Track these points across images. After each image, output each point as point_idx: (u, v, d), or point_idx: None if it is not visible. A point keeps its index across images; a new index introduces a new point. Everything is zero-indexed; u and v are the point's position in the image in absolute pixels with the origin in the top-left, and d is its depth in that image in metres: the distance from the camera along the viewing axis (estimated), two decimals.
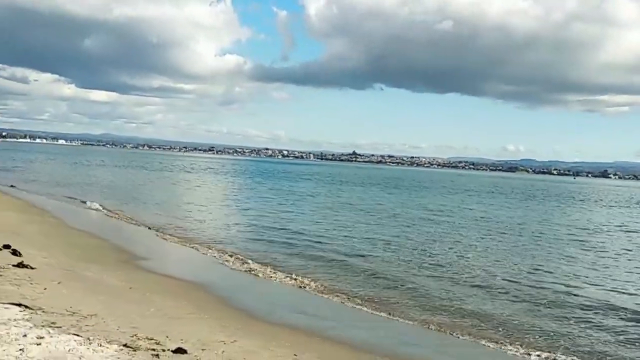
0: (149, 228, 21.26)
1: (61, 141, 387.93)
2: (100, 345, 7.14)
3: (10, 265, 11.36)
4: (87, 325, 8.00)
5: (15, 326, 7.39)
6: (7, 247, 13.27)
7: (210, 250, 17.38)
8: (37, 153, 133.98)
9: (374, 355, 8.79)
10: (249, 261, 15.87)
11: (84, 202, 28.70)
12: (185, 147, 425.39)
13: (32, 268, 11.47)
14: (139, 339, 7.70)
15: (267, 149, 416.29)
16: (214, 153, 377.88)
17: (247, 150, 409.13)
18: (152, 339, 7.71)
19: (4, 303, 8.50)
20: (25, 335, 7.05)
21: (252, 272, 14.77)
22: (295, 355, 7.94)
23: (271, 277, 14.28)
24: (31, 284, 10.13)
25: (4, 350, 6.44)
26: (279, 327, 9.86)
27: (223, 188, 52.97)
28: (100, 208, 26.83)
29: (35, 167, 66.54)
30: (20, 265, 11.53)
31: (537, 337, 10.55)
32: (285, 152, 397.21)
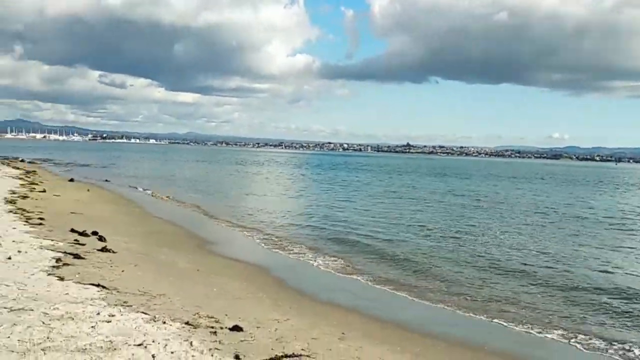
0: (216, 219, 21.26)
1: (152, 141, 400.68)
2: (164, 322, 6.98)
3: (95, 250, 11.49)
4: (155, 305, 7.89)
5: (91, 305, 7.33)
6: (95, 233, 13.48)
7: (269, 235, 17.20)
8: (130, 152, 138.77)
9: (416, 334, 8.31)
10: (303, 246, 15.57)
11: (162, 194, 29.18)
12: (258, 143, 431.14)
13: (113, 252, 11.55)
14: (200, 317, 7.51)
15: (329, 142, 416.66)
16: (282, 148, 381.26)
17: (311, 145, 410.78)
18: (212, 317, 7.51)
19: (84, 284, 8.51)
20: (98, 314, 6.98)
21: (305, 256, 14.44)
22: (343, 333, 7.57)
23: (321, 261, 13.88)
24: (111, 266, 10.16)
25: (77, 327, 6.35)
26: (328, 306, 9.51)
27: (287, 179, 53.05)
28: (173, 198, 27.20)
29: (127, 164, 68.67)
30: (104, 249, 11.64)
31: (568, 320, 9.68)
32: (345, 146, 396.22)
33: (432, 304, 10.22)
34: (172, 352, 5.85)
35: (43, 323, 6.33)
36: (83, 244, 11.91)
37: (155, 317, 7.16)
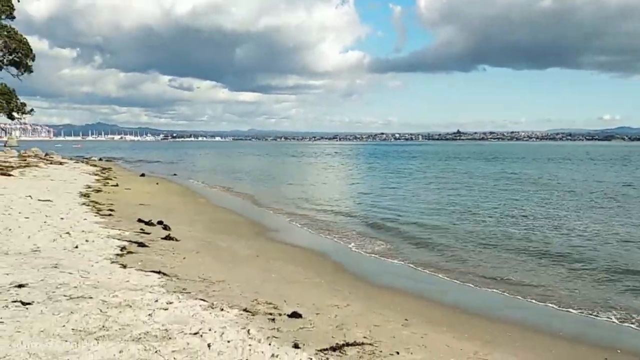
0: (274, 207, 20.78)
1: (217, 138, 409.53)
2: (222, 309, 6.42)
3: (160, 238, 11.17)
4: (214, 291, 7.36)
5: (150, 292, 6.87)
6: (160, 223, 13.23)
7: (323, 221, 16.54)
8: (197, 149, 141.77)
9: (480, 319, 7.40)
10: (354, 231, 14.83)
11: (224, 186, 29.09)
12: (314, 137, 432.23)
13: (177, 240, 11.20)
14: (258, 303, 6.92)
15: (381, 133, 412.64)
16: (337, 140, 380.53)
17: (364, 136, 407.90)
18: (270, 304, 6.90)
19: (146, 271, 8.09)
20: (156, 301, 6.49)
21: (358, 241, 13.68)
22: (405, 319, 6.76)
23: (372, 247, 13.08)
24: (173, 254, 9.76)
25: (135, 315, 5.87)
26: (386, 291, 8.69)
27: (340, 168, 52.30)
28: (234, 189, 27.00)
29: (194, 160, 69.84)
30: (168, 237, 11.30)
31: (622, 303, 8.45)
32: (397, 136, 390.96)
33: (488, 289, 9.19)
34: (228, 341, 5.25)
35: (100, 311, 5.88)
36: (148, 233, 11.63)
37: (213, 303, 6.61)
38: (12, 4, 46.27)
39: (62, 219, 12.22)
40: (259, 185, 30.96)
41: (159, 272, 8.07)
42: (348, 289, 8.40)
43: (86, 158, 52.03)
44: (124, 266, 8.26)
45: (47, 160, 37.38)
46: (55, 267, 7.71)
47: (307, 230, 15.28)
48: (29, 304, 5.83)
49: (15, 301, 5.86)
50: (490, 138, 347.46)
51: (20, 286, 6.48)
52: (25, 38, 47.22)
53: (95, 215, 13.43)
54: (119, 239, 10.45)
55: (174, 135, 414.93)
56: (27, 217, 11.83)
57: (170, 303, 6.46)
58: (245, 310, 6.48)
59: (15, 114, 47.00)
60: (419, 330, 6.20)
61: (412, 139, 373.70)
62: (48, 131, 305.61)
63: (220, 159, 74.14)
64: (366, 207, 20.27)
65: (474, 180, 33.27)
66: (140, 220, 13.25)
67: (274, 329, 5.72)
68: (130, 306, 6.16)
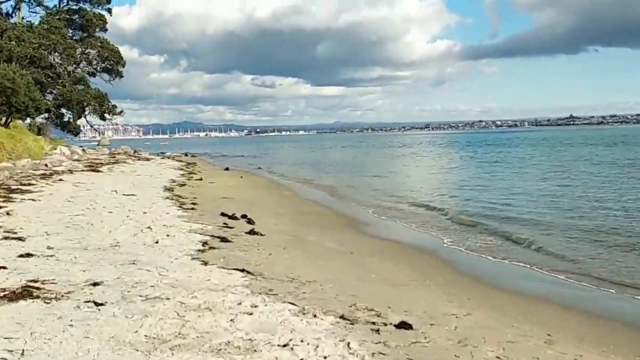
0: (364, 199, 19.91)
1: (300, 132, 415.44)
2: (315, 316, 5.66)
3: (243, 233, 10.68)
4: (304, 293, 6.63)
5: (232, 293, 6.26)
6: (244, 216, 12.82)
7: (421, 215, 15.44)
8: (281, 142, 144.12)
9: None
10: (458, 224, 13.63)
11: (308, 178, 28.66)
12: (403, 127, 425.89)
13: (261, 235, 10.66)
14: (357, 309, 6.09)
15: (480, 121, 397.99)
16: (429, 130, 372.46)
17: (460, 125, 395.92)
18: (372, 310, 6.05)
19: (228, 269, 7.54)
20: (239, 304, 5.85)
21: (464, 236, 12.47)
22: (549, 335, 5.57)
23: (485, 243, 11.79)
24: (258, 250, 9.19)
25: (215, 320, 5.25)
26: (516, 297, 7.48)
27: (434, 158, 50.44)
28: (319, 181, 26.45)
29: (278, 153, 70.67)
30: (252, 232, 10.80)
31: None
32: (499, 123, 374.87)
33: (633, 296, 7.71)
34: (324, 357, 4.47)
35: (177, 314, 5.32)
36: (231, 227, 11.19)
37: (304, 308, 5.88)
38: (105, 19, 49.62)
39: (144, 213, 12.12)
40: (345, 177, 30.27)
41: (242, 270, 7.50)
42: (465, 293, 7.33)
43: (172, 154, 54.07)
44: (205, 263, 7.77)
45: (135, 157, 39.01)
46: (133, 263, 7.35)
47: (402, 223, 14.29)
48: (102, 304, 5.39)
49: (88, 301, 5.44)
50: (611, 122, 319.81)
51: (95, 284, 6.10)
52: (117, 47, 50.56)
53: (178, 209, 13.26)
54: (200, 234, 10.07)
55: (258, 130, 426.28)
56: (110, 212, 11.82)
57: (255, 307, 5.80)
58: (342, 317, 5.69)
59: (107, 115, 50.07)
60: (570, 351, 5.01)
61: (516, 125, 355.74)
62: (138, 130, 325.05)
63: (304, 152, 74.49)
64: (462, 199, 18.85)
65: (592, 169, 30.44)
66: (223, 214, 12.91)
67: (380, 342, 4.85)
68: (210, 309, 5.56)
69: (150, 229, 10.06)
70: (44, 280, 5.95)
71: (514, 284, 8.33)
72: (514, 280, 8.61)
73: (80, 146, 46.61)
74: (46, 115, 47.93)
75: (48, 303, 5.19)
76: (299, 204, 17.17)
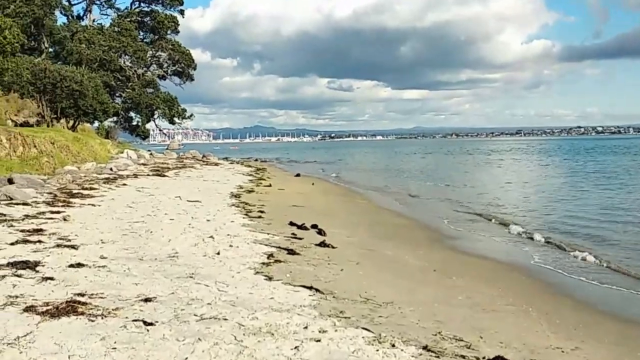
0: (448, 209, 19.05)
1: (378, 137, 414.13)
2: (394, 345, 5.15)
3: (313, 245, 10.32)
4: (380, 317, 6.14)
5: (298, 314, 5.86)
6: (314, 226, 12.47)
7: (513, 228, 14.40)
8: (356, 148, 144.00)
9: None
10: (561, 243, 12.50)
11: (384, 185, 28.03)
12: (492, 133, 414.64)
13: (333, 247, 10.25)
14: (443, 338, 5.53)
15: (578, 127, 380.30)
16: (521, 136, 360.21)
17: (556, 130, 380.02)
18: (460, 340, 5.47)
19: (295, 285, 7.17)
20: (306, 327, 5.44)
21: (563, 254, 11.46)
22: None
23: (586, 262, 10.75)
24: (329, 264, 8.78)
25: (277, 347, 4.87)
26: (637, 327, 6.61)
27: (526, 167, 48.26)
28: (397, 188, 25.74)
29: (353, 159, 70.36)
30: (322, 244, 10.41)
31: None
32: (599, 129, 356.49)
33: None
34: None
35: (235, 339, 4.98)
36: (300, 238, 10.86)
37: (380, 335, 5.38)
38: (177, 21, 51.33)
39: (208, 220, 12.05)
40: (426, 185, 29.41)
41: (310, 288, 7.10)
42: (572, 322, 6.56)
43: (241, 159, 55.06)
44: (270, 278, 7.44)
45: (203, 161, 39.89)
46: (191, 276, 7.14)
47: (488, 238, 13.45)
48: (151, 324, 5.13)
49: (136, 320, 5.20)
50: None
51: (146, 300, 5.89)
52: (188, 50, 52.14)
53: (244, 217, 13.12)
54: (266, 245, 9.81)
55: (332, 135, 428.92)
56: (172, 219, 11.83)
57: (324, 332, 5.36)
58: (425, 348, 5.14)
59: (176, 119, 51.77)
60: None
61: (619, 132, 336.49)
62: (208, 135, 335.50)
63: (381, 158, 73.75)
64: (553, 214, 17.51)
65: None
66: (292, 224, 12.63)
67: None
68: (273, 334, 5.18)
69: (213, 238, 9.90)
70: (92, 294, 5.81)
71: (625, 311, 7.39)
72: (621, 306, 7.66)
73: (149, 150, 48.40)
74: (115, 118, 50.26)
75: (92, 321, 5.00)
76: (375, 214, 16.64)
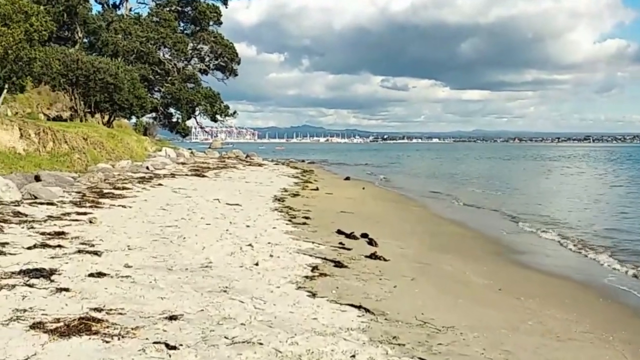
0: (513, 220, 18.24)
1: (434, 140, 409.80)
2: None
3: (363, 256, 9.92)
4: (439, 344, 5.67)
5: (345, 339, 5.46)
6: (364, 235, 12.06)
7: (587, 244, 13.56)
8: (411, 151, 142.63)
9: None
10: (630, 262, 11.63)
11: (445, 192, 27.27)
12: (558, 138, 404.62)
13: (385, 260, 9.81)
14: None
15: None
16: (589, 142, 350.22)
17: (628, 137, 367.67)
18: None
19: (342, 304, 6.78)
20: (353, 357, 5.03)
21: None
22: None
23: None
24: (380, 279, 8.35)
25: None
26: None
27: (598, 176, 46.41)
28: (457, 195, 24.99)
29: (407, 163, 69.51)
30: (373, 256, 9.98)
31: None
32: None
33: None
34: None
35: None
36: (348, 249, 10.47)
37: None
38: (219, 11, 51.58)
39: (247, 226, 11.80)
40: (484, 192, 28.53)
41: (359, 307, 6.69)
42: None
43: (290, 160, 55.11)
44: (313, 294, 7.07)
45: (246, 161, 40.03)
46: (225, 291, 6.83)
47: (556, 252, 12.73)
48: (174, 347, 4.82)
49: (158, 342, 4.89)
50: None
51: (172, 318, 5.60)
52: (231, 43, 52.31)
53: (287, 224, 12.82)
54: (311, 255, 9.47)
55: (385, 137, 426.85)
56: (208, 224, 11.64)
57: None
58: None
59: (218, 116, 52.11)
60: None
61: None
62: (253, 134, 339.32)
63: (437, 162, 72.64)
64: (624, 229, 16.46)
65: None
66: (340, 232, 12.25)
67: None
68: None
69: (252, 246, 9.62)
70: (110, 310, 5.56)
71: None
72: None
73: (189, 148, 48.96)
74: (153, 114, 51.03)
75: (107, 342, 4.72)
76: (430, 222, 16.08)
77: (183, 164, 30.29)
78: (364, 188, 26.31)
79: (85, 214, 11.39)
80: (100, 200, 13.47)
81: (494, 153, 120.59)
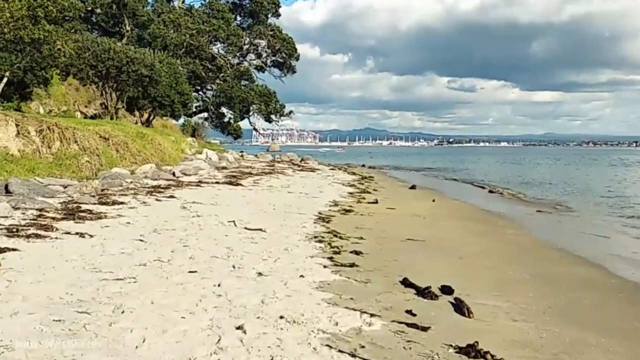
0: None
1: (503, 143, 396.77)
2: None
3: (449, 348, 5.39)
4: None
5: None
6: (446, 290, 7.54)
7: None
8: (480, 155, 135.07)
9: None
10: None
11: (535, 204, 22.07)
12: (635, 142, 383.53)
13: (491, 357, 5.22)
14: None
15: None
16: None
17: None
18: None
19: None
20: None
21: None
22: None
23: None
24: None
25: None
26: None
27: None
28: (546, 207, 19.85)
29: (478, 168, 63.67)
30: (469, 351, 5.39)
31: None
32: None
33: None
34: None
35: None
36: (424, 328, 5.94)
37: None
38: (278, 2, 47.62)
39: (258, 275, 7.39)
40: (584, 204, 23.21)
41: None
42: None
43: (348, 165, 50.64)
44: None
45: (298, 166, 35.83)
46: None
47: None
48: None
49: None
50: None
51: None
52: (290, 37, 48.13)
53: (326, 267, 8.35)
54: (358, 348, 5.00)
55: (450, 140, 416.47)
56: (192, 272, 7.33)
57: None
58: None
59: (273, 116, 48.06)
60: None
61: None
62: (314, 136, 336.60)
63: (514, 167, 66.35)
64: None
65: None
66: (407, 283, 7.73)
67: None
68: None
69: (245, 332, 5.19)
70: None
71: None
72: None
73: (241, 151, 45.19)
74: (205, 115, 47.55)
75: None
76: (539, 257, 11.12)
77: (224, 168, 26.30)
78: (434, 200, 21.43)
79: (5, 250, 7.28)
80: (63, 222, 9.46)
81: (570, 158, 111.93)
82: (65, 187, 13.90)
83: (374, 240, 11.05)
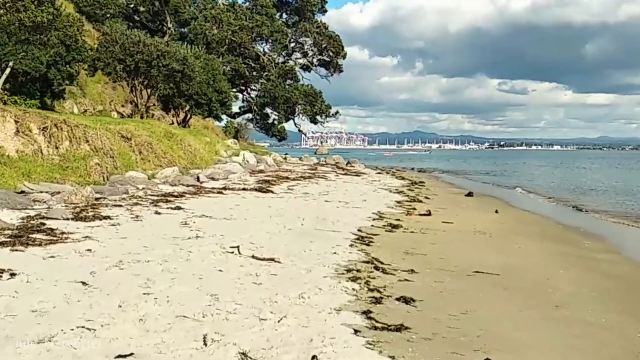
0: None
1: (556, 147, 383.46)
2: None
3: None
4: None
5: None
6: None
7: None
8: (533, 159, 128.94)
9: None
10: None
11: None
12: None
13: None
14: None
15: None
16: None
17: None
18: None
19: None
20: None
21: None
22: None
23: None
24: None
25: None
26: None
27: None
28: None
29: (535, 173, 59.17)
30: None
31: None
32: None
33: None
34: None
35: None
36: None
37: None
38: None
39: (242, 356, 4.38)
40: None
41: None
42: None
43: (397, 169, 47.31)
44: None
45: (343, 170, 32.80)
46: None
47: None
48: None
49: None
50: None
51: None
52: (337, 35, 45.17)
53: (359, 332, 5.30)
54: None
55: (502, 143, 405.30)
56: (125, 356, 4.35)
57: None
58: None
59: (318, 117, 45.21)
60: None
61: None
62: (363, 140, 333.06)
63: (573, 173, 61.52)
64: None
65: None
66: None
67: None
68: None
69: None
70: None
71: None
72: None
73: (286, 154, 42.49)
74: (249, 116, 45.10)
75: None
76: None
77: (260, 172, 23.55)
78: (497, 211, 17.95)
79: None
80: (16, 243, 6.75)
81: (631, 162, 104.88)
82: (53, 194, 11.27)
83: (431, 275, 7.94)
